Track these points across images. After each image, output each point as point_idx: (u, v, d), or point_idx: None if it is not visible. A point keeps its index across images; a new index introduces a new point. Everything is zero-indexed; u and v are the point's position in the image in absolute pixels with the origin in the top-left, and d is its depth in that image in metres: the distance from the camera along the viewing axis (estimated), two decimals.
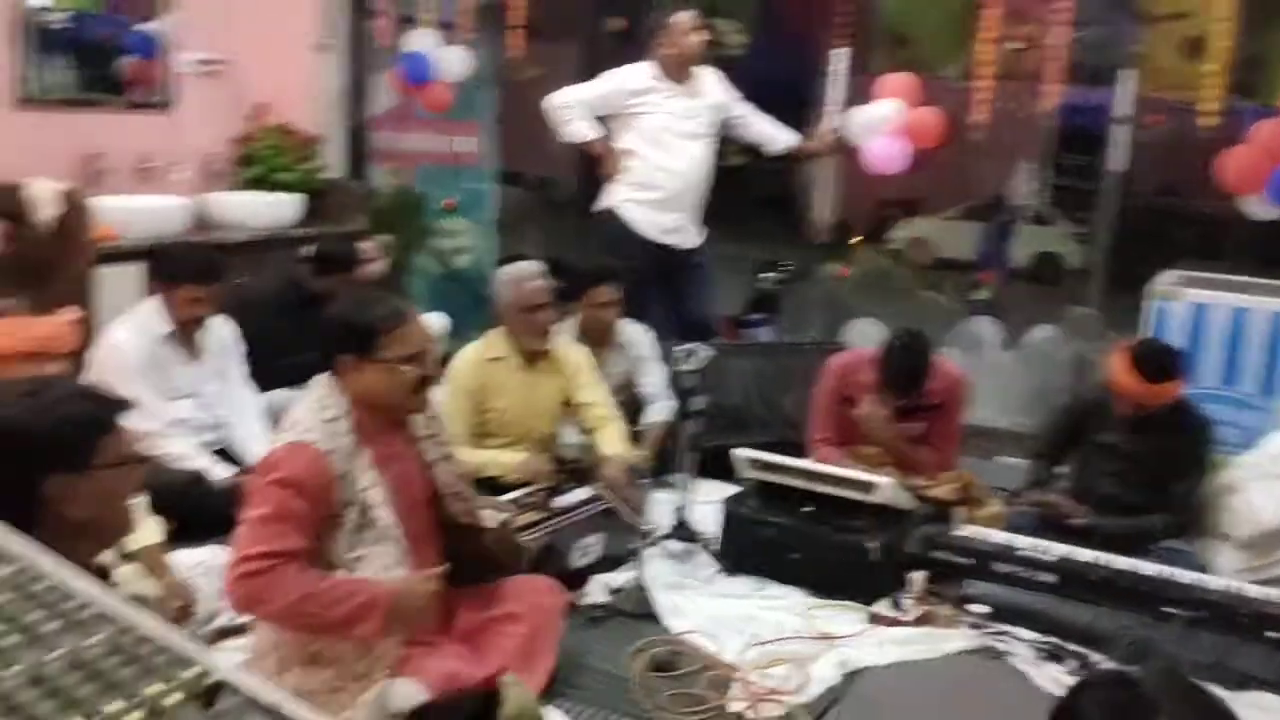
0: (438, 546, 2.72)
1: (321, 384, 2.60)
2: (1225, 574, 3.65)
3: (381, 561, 2.54)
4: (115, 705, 0.95)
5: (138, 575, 2.81)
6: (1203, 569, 3.65)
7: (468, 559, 2.73)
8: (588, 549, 3.48)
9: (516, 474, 3.79)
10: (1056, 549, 3.58)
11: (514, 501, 3.62)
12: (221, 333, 4.04)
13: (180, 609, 2.97)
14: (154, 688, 0.97)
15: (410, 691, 2.42)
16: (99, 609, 1.06)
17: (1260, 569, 3.72)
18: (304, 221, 5.60)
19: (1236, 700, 3.03)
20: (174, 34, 5.33)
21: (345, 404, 2.55)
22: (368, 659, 2.51)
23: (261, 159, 5.55)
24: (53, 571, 1.09)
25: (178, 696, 0.97)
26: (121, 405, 1.85)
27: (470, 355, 4.09)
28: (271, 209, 5.46)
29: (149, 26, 5.30)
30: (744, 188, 6.65)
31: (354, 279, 4.86)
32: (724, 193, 5.50)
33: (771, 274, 6.43)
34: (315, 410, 2.53)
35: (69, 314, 2.91)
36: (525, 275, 4.09)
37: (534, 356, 4.09)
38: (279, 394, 4.34)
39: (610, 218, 5.19)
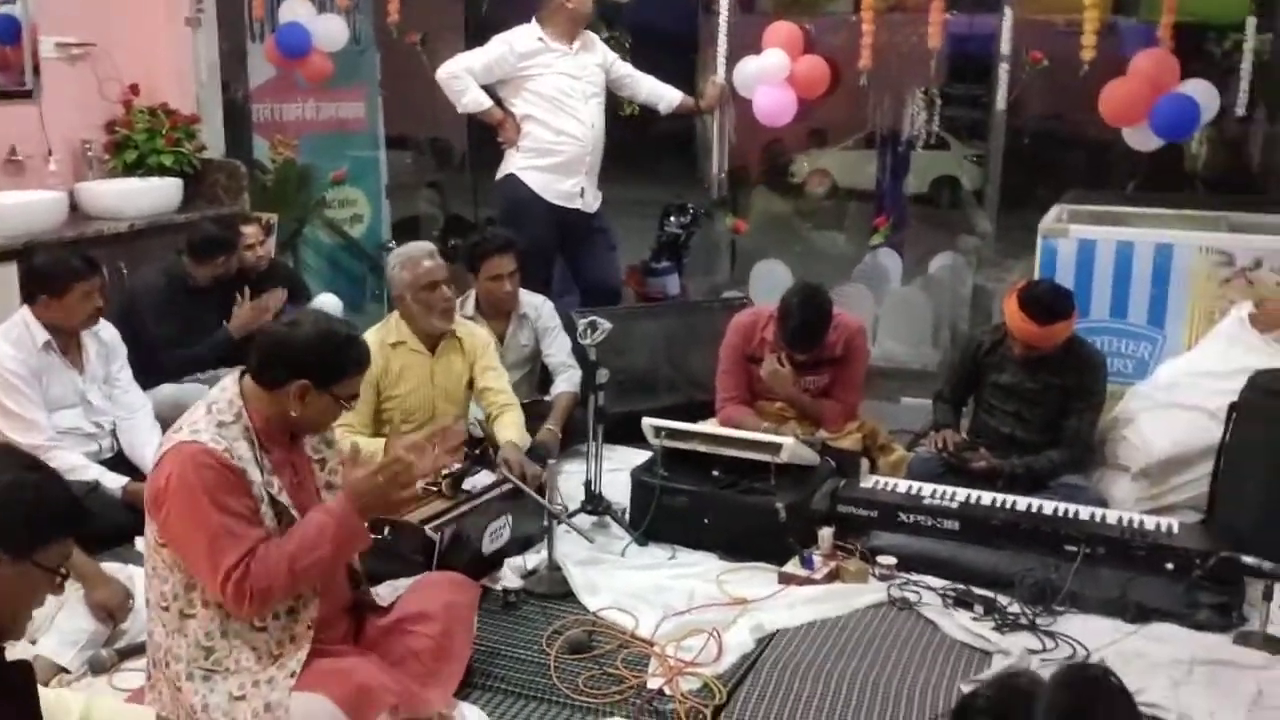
0: None
1: (224, 388, 2.54)
2: (1124, 505, 3.76)
3: None
4: None
5: None
6: (1103, 503, 3.76)
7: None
8: (497, 533, 3.46)
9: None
10: (959, 495, 3.65)
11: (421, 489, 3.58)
12: (103, 336, 3.91)
13: (120, 601, 2.97)
14: None
15: (317, 709, 2.38)
16: None
17: (1156, 498, 3.85)
18: (186, 205, 5.42)
19: (1139, 633, 3.13)
20: (35, 16, 5.08)
21: (242, 409, 2.48)
22: (271, 667, 2.47)
23: (136, 143, 5.36)
24: None
25: None
26: (87, 528, 1.86)
27: (370, 340, 3.99)
28: (151, 194, 5.28)
29: (7, 9, 5.03)
30: (644, 131, 6.56)
31: (237, 263, 4.75)
32: (624, 138, 5.44)
33: (677, 218, 6.39)
34: (208, 413, 2.47)
35: None
36: (417, 255, 4.01)
37: (436, 339, 4.02)
38: (166, 389, 4.25)
39: (510, 186, 5.10)
